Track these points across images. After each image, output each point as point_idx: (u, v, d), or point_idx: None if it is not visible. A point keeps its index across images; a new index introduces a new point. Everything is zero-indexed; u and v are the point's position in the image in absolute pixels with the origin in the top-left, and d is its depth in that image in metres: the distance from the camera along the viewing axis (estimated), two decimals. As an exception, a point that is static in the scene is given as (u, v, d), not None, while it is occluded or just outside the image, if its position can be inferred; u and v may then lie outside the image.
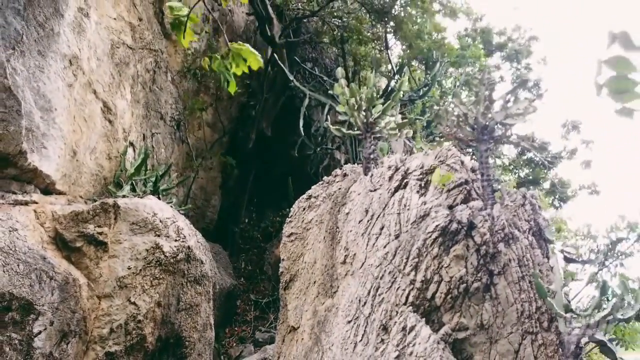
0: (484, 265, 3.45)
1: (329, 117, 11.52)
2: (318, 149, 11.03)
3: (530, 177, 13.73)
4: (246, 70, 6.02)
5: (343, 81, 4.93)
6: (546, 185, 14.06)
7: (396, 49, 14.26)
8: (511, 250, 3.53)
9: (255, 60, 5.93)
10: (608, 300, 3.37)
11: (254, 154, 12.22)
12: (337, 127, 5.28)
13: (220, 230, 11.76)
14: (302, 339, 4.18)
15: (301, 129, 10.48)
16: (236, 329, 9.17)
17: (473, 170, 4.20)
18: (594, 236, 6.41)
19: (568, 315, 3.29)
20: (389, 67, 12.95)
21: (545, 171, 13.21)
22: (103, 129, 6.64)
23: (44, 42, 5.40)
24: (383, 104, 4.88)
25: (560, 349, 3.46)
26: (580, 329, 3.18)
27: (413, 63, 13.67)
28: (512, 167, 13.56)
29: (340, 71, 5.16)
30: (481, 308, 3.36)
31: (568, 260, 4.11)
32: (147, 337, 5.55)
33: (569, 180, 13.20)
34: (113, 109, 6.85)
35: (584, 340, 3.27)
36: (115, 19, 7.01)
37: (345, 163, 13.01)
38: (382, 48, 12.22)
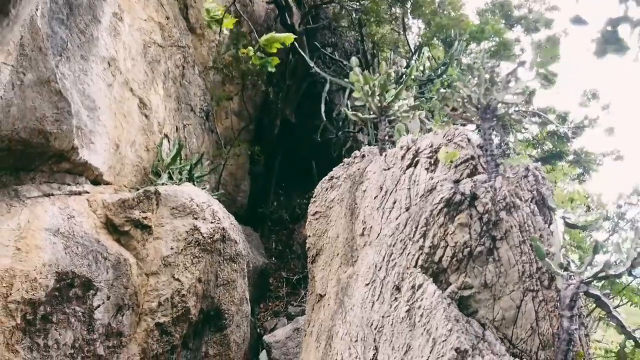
0: (487, 231, 3.84)
1: (349, 101, 11.87)
2: (340, 132, 11.42)
3: (554, 151, 13.78)
4: (276, 49, 6.39)
5: (357, 69, 5.32)
6: (570, 158, 14.08)
7: (415, 29, 14.42)
8: (512, 218, 3.91)
9: (285, 39, 6.30)
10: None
11: (279, 140, 12.70)
12: (353, 112, 5.69)
13: (251, 214, 12.35)
14: (329, 304, 4.67)
15: (323, 114, 10.88)
16: (270, 304, 9.80)
17: (480, 147, 4.56)
18: (603, 204, 6.65)
19: (565, 273, 3.67)
20: (403, 47, 13.16)
21: (568, 143, 13.25)
22: (140, 124, 7.22)
23: (85, 47, 5.97)
24: (397, 87, 5.25)
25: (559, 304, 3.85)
26: (574, 285, 3.55)
27: (435, 41, 13.81)
28: (534, 142, 13.61)
29: (354, 60, 5.54)
30: (485, 269, 3.77)
31: (569, 225, 4.45)
32: (190, 309, 6.16)
33: (591, 151, 13.19)
34: (148, 104, 7.42)
35: (580, 294, 3.64)
36: (145, 20, 7.54)
37: (368, 145, 13.38)
38: (401, 30, 12.43)
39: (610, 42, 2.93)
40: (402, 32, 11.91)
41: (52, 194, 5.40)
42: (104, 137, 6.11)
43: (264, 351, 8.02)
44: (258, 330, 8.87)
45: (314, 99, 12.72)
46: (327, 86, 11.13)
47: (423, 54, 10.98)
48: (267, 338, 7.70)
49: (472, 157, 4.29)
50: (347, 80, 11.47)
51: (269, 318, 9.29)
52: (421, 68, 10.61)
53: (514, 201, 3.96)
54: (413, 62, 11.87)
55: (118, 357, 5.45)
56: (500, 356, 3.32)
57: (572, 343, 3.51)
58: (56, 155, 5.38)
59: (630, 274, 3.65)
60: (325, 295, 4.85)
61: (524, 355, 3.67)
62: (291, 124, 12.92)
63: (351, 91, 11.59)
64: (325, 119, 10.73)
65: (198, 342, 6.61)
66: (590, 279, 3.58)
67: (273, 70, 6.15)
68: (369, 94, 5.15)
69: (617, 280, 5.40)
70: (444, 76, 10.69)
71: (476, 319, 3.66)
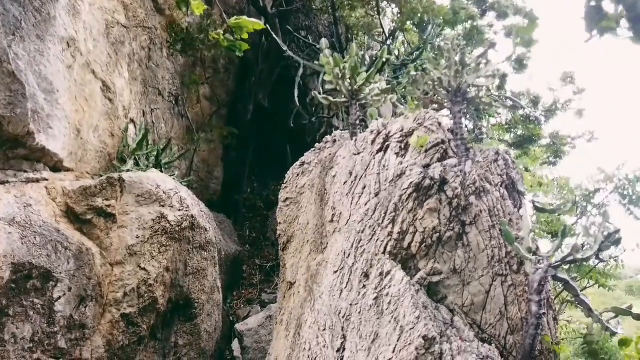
0: (456, 216, 3.78)
1: (324, 86, 11.71)
2: (313, 118, 11.26)
3: (526, 135, 13.90)
4: (247, 35, 6.17)
5: (327, 51, 5.17)
6: (544, 142, 14.22)
7: (389, 14, 14.27)
8: (482, 202, 3.86)
9: (256, 25, 6.07)
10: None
11: (253, 126, 12.47)
12: (324, 96, 5.56)
13: (225, 201, 12.14)
14: (299, 292, 4.58)
15: (296, 98, 10.70)
16: (243, 291, 9.68)
17: (450, 131, 4.48)
18: (571, 189, 6.71)
19: (534, 257, 3.64)
20: (377, 31, 12.99)
21: (540, 127, 13.38)
22: (104, 108, 6.93)
23: (41, 26, 5.64)
24: (369, 71, 5.13)
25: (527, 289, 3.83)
26: (542, 269, 3.53)
27: (409, 26, 13.71)
28: (507, 126, 13.70)
29: (324, 42, 5.39)
30: (454, 255, 3.72)
31: (538, 209, 4.43)
32: (158, 299, 5.99)
33: (564, 133, 13.33)
34: (112, 87, 7.13)
35: (549, 278, 3.62)
36: (107, -1, 7.20)
37: (343, 130, 13.24)
38: (375, 13, 12.28)
39: (594, 19, 2.92)
40: (376, 16, 11.76)
41: (7, 182, 5.13)
42: (64, 122, 5.83)
43: (237, 340, 7.92)
44: (231, 318, 8.76)
45: (288, 84, 12.51)
46: (301, 70, 10.94)
47: (397, 38, 10.86)
48: (239, 326, 7.60)
49: (443, 141, 4.21)
50: (318, 63, 11.30)
51: (243, 306, 9.18)
52: (396, 53, 10.50)
53: (484, 185, 3.91)
54: (386, 46, 11.75)
55: (81, 350, 5.27)
56: (469, 342, 3.28)
57: (541, 327, 3.49)
58: (10, 141, 5.10)
59: (597, 257, 3.65)
60: (295, 283, 4.75)
61: (492, 340, 3.65)
62: (265, 109, 12.69)
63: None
64: (298, 104, 10.55)
65: (167, 333, 6.46)
66: (559, 263, 3.56)
67: (241, 55, 5.93)
68: (340, 77, 5.02)
69: (585, 263, 5.47)
70: (418, 61, 10.61)
71: (445, 305, 3.62)
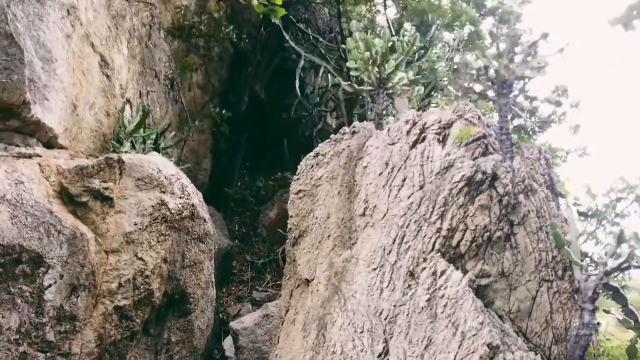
0: (506, 215, 3.53)
1: (325, 79, 11.40)
2: (313, 110, 10.93)
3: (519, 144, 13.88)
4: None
5: (357, 34, 4.84)
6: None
7: (390, 11, 14.06)
8: (530, 202, 3.61)
9: None
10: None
11: (247, 117, 12.06)
12: (348, 82, 5.23)
13: (213, 194, 11.69)
14: (318, 290, 4.24)
15: (297, 89, 10.35)
16: (233, 288, 9.26)
17: (488, 126, 4.23)
18: (593, 195, 6.62)
19: (584, 263, 3.41)
20: (379, 28, 12.76)
21: (534, 137, 13.39)
22: (101, 84, 6.45)
23: (42, -12, 5.16)
24: (397, 59, 4.84)
25: (573, 297, 3.60)
26: (597, 276, 3.30)
27: (406, 26, 13.54)
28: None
29: (354, 24, 5.06)
30: (502, 256, 3.46)
31: (580, 214, 4.23)
32: (154, 292, 5.56)
33: (557, 146, 13.39)
34: (110, 63, 6.65)
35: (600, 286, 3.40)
36: (110, -32, 6.72)
37: (338, 127, 12.95)
38: (377, 9, 12.05)
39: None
40: (379, 12, 11.53)
41: (-3, 155, 4.63)
42: (61, 94, 5.35)
43: (229, 337, 7.51)
44: (220, 315, 8.34)
45: (285, 76, 12.16)
46: (302, 62, 10.59)
47: (403, 35, 10.64)
48: (234, 325, 7.18)
49: (484, 136, 3.95)
50: (324, 56, 10.97)
51: (232, 303, 8.76)
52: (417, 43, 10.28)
53: (531, 184, 3.66)
54: (417, 33, 11.45)
55: (70, 344, 4.80)
56: (526, 352, 3.02)
57: (593, 338, 3.26)
58: (4, 110, 4.61)
59: (649, 265, 3.43)
60: (313, 280, 4.41)
61: (537, 350, 3.40)
62: (259, 102, 12.30)
63: (325, 70, 11.12)
64: (300, 95, 10.20)
65: (160, 328, 6.02)
66: (613, 270, 3.33)
67: (276, 21, 5.53)
68: (370, 62, 4.70)
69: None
70: (422, 60, 10.42)
71: (493, 310, 3.35)
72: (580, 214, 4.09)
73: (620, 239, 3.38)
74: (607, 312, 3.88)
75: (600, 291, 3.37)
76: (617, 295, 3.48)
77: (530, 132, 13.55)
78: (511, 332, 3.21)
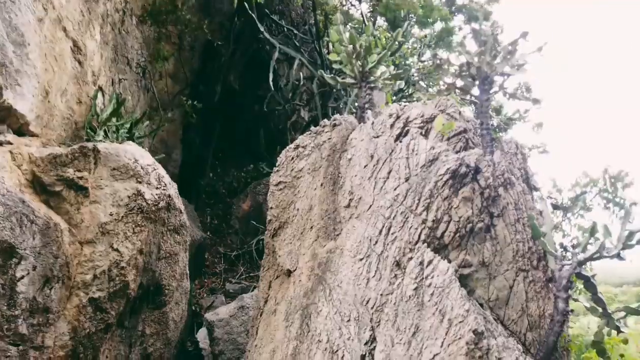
0: (486, 207, 3.65)
1: (299, 72, 11.38)
2: (287, 104, 10.90)
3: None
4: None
5: (341, 27, 4.87)
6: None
7: (363, 7, 14.15)
8: (509, 195, 3.76)
9: None
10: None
11: (218, 108, 11.91)
12: (331, 76, 5.26)
13: (184, 185, 11.51)
14: (300, 280, 4.28)
15: (271, 82, 10.29)
16: (206, 280, 9.18)
17: (468, 121, 4.36)
18: (559, 189, 6.95)
19: (559, 253, 3.58)
20: (350, 24, 12.82)
21: (500, 134, 13.79)
22: (73, 70, 6.25)
23: (13, -31, 4.95)
24: (380, 53, 4.90)
25: (547, 286, 3.77)
26: (571, 265, 3.47)
27: (378, 21, 13.67)
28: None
29: (339, 16, 5.09)
30: (483, 247, 3.59)
31: (555, 207, 4.42)
32: (129, 283, 5.47)
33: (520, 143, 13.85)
34: (83, 49, 6.45)
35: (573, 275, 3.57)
36: (83, -50, 6.50)
37: (311, 121, 12.97)
38: (351, 2, 12.09)
39: None
40: (354, 7, 11.58)
41: (-34, 142, 4.45)
42: (33, 80, 5.17)
43: (203, 329, 7.46)
44: (194, 307, 8.26)
45: (258, 68, 12.05)
46: (276, 54, 10.53)
47: (377, 29, 10.72)
48: (209, 316, 7.13)
49: (465, 130, 4.06)
50: (298, 48, 10.93)
51: (206, 295, 8.69)
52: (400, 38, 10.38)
53: (510, 178, 3.80)
54: (400, 29, 11.50)
55: (44, 337, 4.68)
56: (506, 337, 3.15)
57: (566, 325, 3.42)
58: (-27, 95, 4.43)
59: (619, 256, 3.63)
60: (295, 270, 4.44)
61: (513, 337, 3.54)
62: (232, 92, 12.16)
63: (300, 62, 11.10)
64: (273, 88, 10.15)
65: (134, 321, 5.93)
66: (585, 260, 3.50)
67: (252, 12, 5.49)
68: (353, 55, 4.74)
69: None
70: (396, 55, 10.53)
71: (474, 299, 3.47)
72: (553, 206, 4.28)
73: (592, 231, 3.57)
74: (576, 300, 4.07)
75: (573, 280, 3.55)
76: (588, 284, 3.66)
77: (497, 130, 13.94)
78: (491, 319, 3.35)
